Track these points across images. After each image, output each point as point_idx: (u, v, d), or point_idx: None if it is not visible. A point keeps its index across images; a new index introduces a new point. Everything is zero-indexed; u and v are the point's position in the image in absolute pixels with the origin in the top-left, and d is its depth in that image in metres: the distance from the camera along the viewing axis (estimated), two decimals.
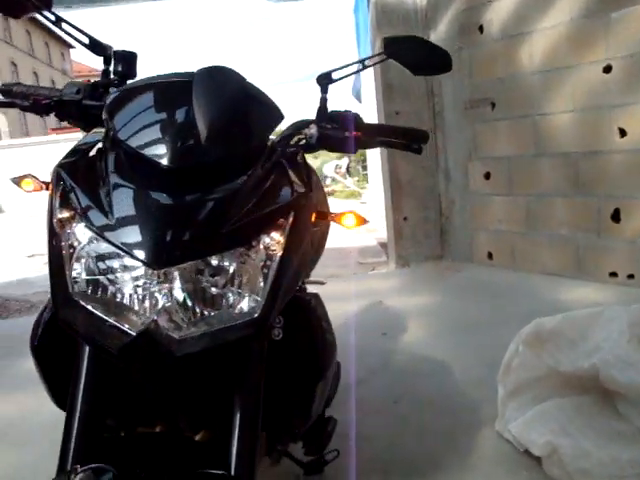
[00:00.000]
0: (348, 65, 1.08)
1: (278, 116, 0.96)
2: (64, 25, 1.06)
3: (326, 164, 22.35)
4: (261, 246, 0.82)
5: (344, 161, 21.31)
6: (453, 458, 1.82)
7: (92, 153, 0.90)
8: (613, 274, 3.51)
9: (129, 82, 1.07)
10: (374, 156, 8.55)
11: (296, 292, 1.13)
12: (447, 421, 2.05)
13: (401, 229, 4.69)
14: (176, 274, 0.77)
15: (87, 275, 0.79)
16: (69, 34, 1.07)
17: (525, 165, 3.93)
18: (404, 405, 2.21)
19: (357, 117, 1.08)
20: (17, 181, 0.97)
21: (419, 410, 2.15)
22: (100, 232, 0.78)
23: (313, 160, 29.26)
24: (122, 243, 0.76)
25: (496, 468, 1.74)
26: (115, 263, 0.78)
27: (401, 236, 4.70)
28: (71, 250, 0.80)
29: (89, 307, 0.77)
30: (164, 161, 0.78)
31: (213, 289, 0.79)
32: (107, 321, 0.76)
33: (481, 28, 4.03)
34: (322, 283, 2.21)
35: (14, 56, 30.12)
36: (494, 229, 4.22)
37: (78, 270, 0.79)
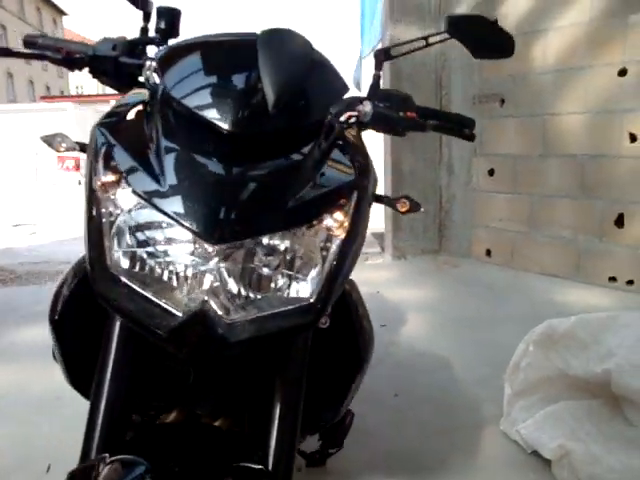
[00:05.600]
0: (409, 42, 1.02)
1: (342, 87, 0.89)
2: None
3: None
4: (323, 226, 0.75)
5: None
6: (458, 457, 1.78)
7: (131, 115, 0.82)
8: (612, 279, 3.51)
9: (171, 41, 0.99)
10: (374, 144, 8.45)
11: None
12: (449, 418, 2.01)
13: (399, 220, 4.65)
14: (229, 252, 0.70)
15: (128, 247, 0.72)
16: None
17: (531, 164, 3.90)
18: (404, 399, 2.17)
19: (410, 98, 1.02)
20: (49, 140, 0.89)
21: (420, 406, 2.11)
22: (149, 198, 0.71)
23: None
24: (174, 212, 0.69)
25: (504, 469, 1.71)
26: (160, 235, 0.71)
27: (399, 227, 4.68)
28: (112, 218, 0.73)
29: (130, 283, 0.70)
30: (226, 125, 0.71)
31: (266, 270, 0.73)
32: (152, 300, 0.69)
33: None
34: None
35: (3, 18, 29.30)
36: (494, 226, 4.20)
37: (119, 241, 0.72)
